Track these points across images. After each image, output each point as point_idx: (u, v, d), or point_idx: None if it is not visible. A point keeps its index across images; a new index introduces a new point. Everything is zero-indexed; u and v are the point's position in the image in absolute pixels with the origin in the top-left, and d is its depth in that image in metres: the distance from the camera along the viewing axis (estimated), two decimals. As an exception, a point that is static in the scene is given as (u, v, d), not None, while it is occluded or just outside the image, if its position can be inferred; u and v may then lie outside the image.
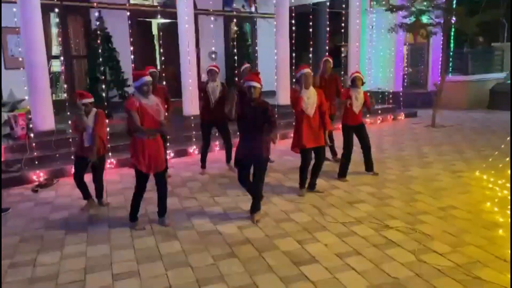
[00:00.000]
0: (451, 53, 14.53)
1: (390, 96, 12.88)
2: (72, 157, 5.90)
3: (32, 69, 7.20)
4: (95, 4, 8.86)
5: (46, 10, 8.70)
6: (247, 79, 4.74)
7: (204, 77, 6.82)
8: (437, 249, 4.02)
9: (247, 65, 7.32)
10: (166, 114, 5.07)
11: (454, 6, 11.49)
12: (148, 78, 4.50)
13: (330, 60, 7.31)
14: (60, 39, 10.87)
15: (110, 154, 7.30)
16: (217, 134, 7.32)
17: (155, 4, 12.09)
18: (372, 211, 5.03)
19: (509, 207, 4.94)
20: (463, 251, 3.96)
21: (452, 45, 14.34)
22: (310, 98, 5.38)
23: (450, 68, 14.66)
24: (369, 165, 6.47)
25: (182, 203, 5.53)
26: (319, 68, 7.30)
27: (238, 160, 4.82)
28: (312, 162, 5.67)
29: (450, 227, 4.51)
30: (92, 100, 5.19)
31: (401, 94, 13.19)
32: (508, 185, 5.76)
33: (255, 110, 4.67)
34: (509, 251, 3.91)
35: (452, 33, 13.63)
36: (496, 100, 13.37)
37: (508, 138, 7.49)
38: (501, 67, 15.28)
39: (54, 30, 10.93)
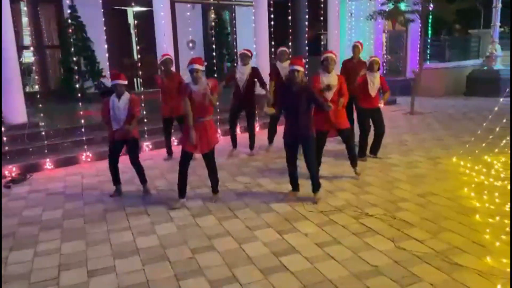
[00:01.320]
0: (429, 41, 14.67)
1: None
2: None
3: (1, 61, 6.90)
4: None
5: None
6: (292, 63, 4.72)
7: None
8: (416, 236, 4.04)
9: (283, 48, 7.25)
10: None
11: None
12: (195, 66, 4.67)
13: (359, 45, 7.29)
14: (31, 29, 10.51)
15: (86, 147, 7.13)
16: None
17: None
18: (352, 200, 5.03)
19: (488, 191, 5.01)
20: (441, 238, 3.99)
21: (430, 32, 14.46)
22: (332, 83, 5.42)
23: (428, 56, 14.81)
24: (375, 148, 6.63)
25: (160, 196, 5.42)
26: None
27: (287, 142, 4.96)
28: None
29: (429, 213, 4.55)
30: (125, 82, 5.14)
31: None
32: (485, 170, 5.85)
33: (297, 95, 4.70)
34: (486, 236, 3.96)
35: (430, 21, 13.73)
36: (473, 87, 13.56)
37: (485, 124, 7.61)
38: (478, 53, 15.52)
39: (25, 20, 10.54)
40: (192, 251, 3.92)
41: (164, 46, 8.71)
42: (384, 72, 14.26)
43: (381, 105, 6.63)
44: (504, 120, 7.18)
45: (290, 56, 7.27)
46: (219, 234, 4.26)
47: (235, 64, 6.93)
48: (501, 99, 7.68)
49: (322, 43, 13.12)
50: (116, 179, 5.43)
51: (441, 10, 10.39)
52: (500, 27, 13.68)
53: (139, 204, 5.14)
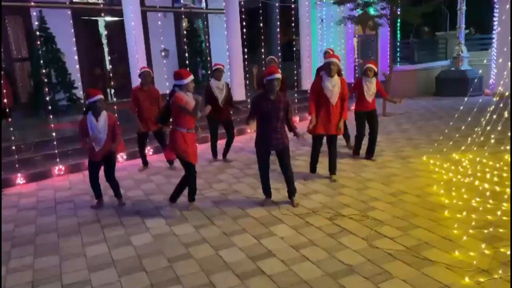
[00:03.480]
0: (398, 44, 15.05)
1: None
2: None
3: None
4: (32, 3, 8.39)
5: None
6: (271, 72, 4.68)
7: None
8: (388, 234, 4.14)
9: (272, 56, 7.34)
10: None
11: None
12: (192, 78, 4.81)
13: (330, 51, 7.43)
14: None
15: (58, 159, 7.02)
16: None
17: (101, 1, 11.66)
18: (326, 201, 5.12)
19: (456, 188, 5.19)
20: (412, 234, 4.11)
21: (399, 35, 14.85)
22: (335, 86, 5.47)
23: (398, 58, 15.19)
24: (370, 153, 6.75)
25: (135, 206, 5.39)
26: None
27: (261, 151, 4.90)
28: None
29: (400, 211, 4.67)
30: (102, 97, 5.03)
31: (352, 85, 13.48)
32: (453, 167, 6.04)
33: (275, 103, 4.70)
34: (455, 231, 4.10)
35: (399, 24, 14.11)
36: (442, 87, 13.98)
37: (451, 123, 7.87)
38: (445, 55, 16.00)
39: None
40: (168, 260, 3.92)
41: (136, 56, 8.65)
42: (357, 75, 14.54)
43: (401, 102, 7.05)
44: (469, 119, 7.43)
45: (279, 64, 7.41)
46: (195, 241, 4.27)
47: (210, 79, 6.89)
48: (465, 99, 7.96)
49: (295, 48, 13.28)
50: (99, 193, 5.37)
51: (407, 13, 10.70)
52: (466, 28, 14.17)
53: (113, 216, 5.10)
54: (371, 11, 11.06)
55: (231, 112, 7.26)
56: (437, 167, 6.14)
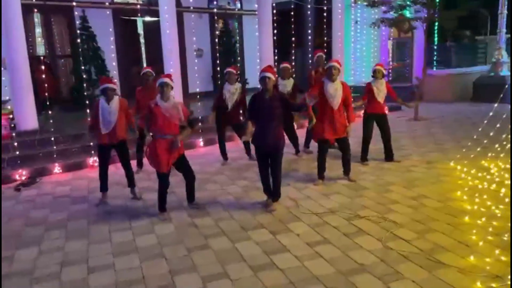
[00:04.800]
0: (435, 47, 14.74)
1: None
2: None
3: (14, 69, 7.24)
4: (74, 3, 8.86)
5: (29, 10, 8.72)
6: (262, 71, 4.80)
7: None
8: (404, 236, 4.16)
9: (285, 64, 7.35)
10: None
11: (437, 1, 11.68)
12: (165, 80, 4.72)
13: (323, 54, 7.50)
14: (44, 39, 10.92)
15: (93, 152, 7.38)
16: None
17: (140, 2, 12.12)
18: (346, 202, 5.16)
19: (479, 194, 5.10)
20: (428, 238, 4.10)
21: (436, 39, 14.54)
22: (337, 91, 5.55)
23: (435, 62, 14.87)
24: (389, 154, 6.79)
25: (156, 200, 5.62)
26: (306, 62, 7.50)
27: (260, 153, 4.95)
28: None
29: (418, 215, 4.66)
30: (115, 87, 5.29)
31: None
32: (480, 174, 5.92)
33: (271, 101, 4.74)
34: (473, 237, 4.06)
35: (436, 28, 13.82)
36: (480, 93, 13.54)
37: (480, 129, 7.68)
38: (485, 60, 15.50)
39: (38, 30, 10.95)
40: (187, 250, 4.10)
41: (170, 55, 8.96)
42: (390, 79, 14.36)
43: (411, 106, 7.22)
44: (498, 125, 7.24)
45: (293, 73, 7.45)
46: (214, 233, 4.44)
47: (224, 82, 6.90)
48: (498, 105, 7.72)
49: (325, 50, 13.30)
50: (106, 186, 5.52)
51: (443, 17, 10.49)
52: (507, 33, 13.69)
53: (140, 207, 5.35)
54: (407, 13, 10.92)
55: (241, 117, 7.11)
56: (463, 173, 6.03)
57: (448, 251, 3.81)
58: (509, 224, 4.26)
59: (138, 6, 10.67)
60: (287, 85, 7.12)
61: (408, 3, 10.55)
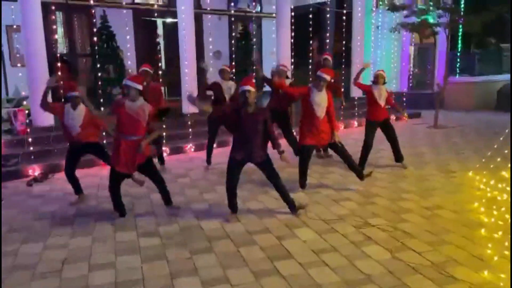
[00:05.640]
0: (458, 54, 14.35)
1: (393, 96, 12.74)
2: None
3: (32, 66, 7.35)
4: (92, 2, 8.97)
5: (51, 8, 8.86)
6: (242, 84, 4.58)
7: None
8: (415, 248, 3.99)
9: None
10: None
11: (462, 6, 11.38)
12: (128, 83, 4.56)
13: (329, 58, 7.35)
14: (65, 37, 11.10)
15: (106, 150, 7.40)
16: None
17: (160, 3, 12.21)
18: (356, 209, 5.01)
19: (496, 206, 4.88)
20: (441, 250, 3.92)
21: (459, 45, 14.16)
22: (323, 101, 5.44)
23: (458, 69, 14.48)
24: (398, 157, 6.65)
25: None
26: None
27: (237, 162, 4.67)
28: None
29: (432, 226, 4.47)
30: (80, 94, 5.20)
31: (404, 94, 13.08)
32: (500, 185, 5.68)
33: (254, 116, 4.53)
34: (488, 251, 3.86)
35: (460, 34, 13.46)
36: (504, 102, 13.09)
37: (501, 138, 7.39)
38: (510, 68, 15.00)
39: (60, 29, 11.13)
40: (190, 252, 4.03)
41: (186, 56, 8.96)
42: (410, 85, 14.08)
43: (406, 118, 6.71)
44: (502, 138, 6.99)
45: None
46: (219, 236, 4.36)
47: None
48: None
49: (344, 54, 13.11)
50: (79, 188, 5.50)
51: (467, 23, 10.20)
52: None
53: (148, 206, 5.32)
54: (430, 19, 10.65)
55: None
56: (482, 184, 5.80)
57: (461, 265, 3.63)
58: (528, 239, 4.05)
59: (155, 6, 10.70)
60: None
61: (430, 7, 10.29)
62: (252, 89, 4.50)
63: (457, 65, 14.33)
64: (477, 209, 4.90)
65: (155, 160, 6.75)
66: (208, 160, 6.94)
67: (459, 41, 13.98)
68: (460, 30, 12.46)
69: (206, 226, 4.63)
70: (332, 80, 6.39)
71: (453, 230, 4.36)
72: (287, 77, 6.82)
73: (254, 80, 4.76)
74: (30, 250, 4.14)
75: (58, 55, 9.04)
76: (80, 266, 3.81)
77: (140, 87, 4.61)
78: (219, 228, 4.59)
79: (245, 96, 4.50)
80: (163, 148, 7.43)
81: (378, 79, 6.34)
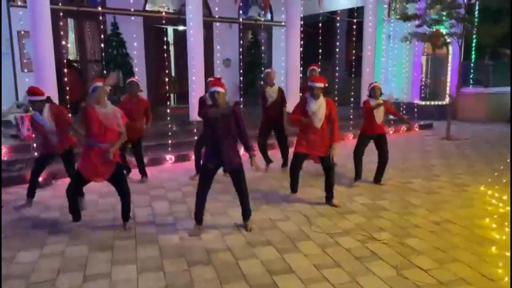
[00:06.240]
0: (471, 65, 14.12)
1: (404, 107, 12.56)
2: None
3: (39, 72, 7.36)
4: (100, 9, 9.01)
5: (61, 15, 8.92)
6: (212, 85, 4.49)
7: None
8: (421, 265, 3.81)
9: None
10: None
11: (476, 17, 11.18)
12: (98, 84, 4.43)
13: (316, 68, 7.22)
14: (76, 43, 11.17)
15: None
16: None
17: (171, 11, 12.23)
18: (362, 223, 4.85)
19: (508, 223, 4.68)
20: (449, 268, 3.75)
21: (473, 56, 13.93)
22: (320, 108, 5.25)
23: (471, 80, 14.24)
24: (378, 177, 6.32)
25: (171, 207, 5.49)
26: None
27: (210, 168, 4.54)
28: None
29: (440, 242, 4.29)
30: (43, 97, 5.15)
31: (415, 105, 12.88)
32: (513, 201, 5.47)
33: (224, 118, 4.40)
34: (499, 270, 3.67)
35: (474, 44, 13.25)
36: (518, 114, 12.82)
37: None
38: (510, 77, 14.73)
39: (70, 35, 11.22)
40: (188, 264, 3.91)
41: (194, 63, 8.92)
42: (422, 95, 13.87)
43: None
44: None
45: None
46: (219, 248, 4.24)
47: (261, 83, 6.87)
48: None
49: (353, 63, 13.00)
50: (34, 192, 5.44)
51: (481, 33, 10.01)
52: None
53: (149, 214, 5.23)
54: (443, 29, 10.48)
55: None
56: (494, 199, 5.59)
57: (469, 285, 3.45)
58: (542, 259, 3.85)
59: (164, 14, 10.71)
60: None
61: (444, 17, 10.12)
62: (221, 90, 4.40)
63: (471, 76, 14.09)
64: (489, 225, 4.70)
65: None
66: (197, 169, 6.78)
67: (473, 52, 13.76)
68: (474, 40, 12.26)
69: (206, 237, 4.51)
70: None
71: (463, 246, 4.18)
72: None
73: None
74: (26, 258, 4.05)
75: (65, 60, 9.08)
76: (75, 276, 3.71)
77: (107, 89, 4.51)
78: (219, 239, 4.46)
79: (214, 98, 4.41)
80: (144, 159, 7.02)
81: (375, 92, 6.05)
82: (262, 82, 7.01)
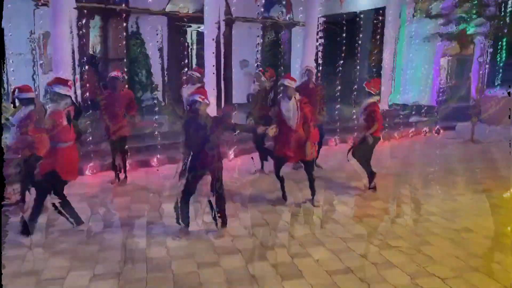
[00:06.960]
0: (501, 65, 13.63)
1: (425, 108, 12.24)
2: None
3: (59, 71, 7.45)
4: (118, 8, 9.09)
5: (84, 13, 9.03)
6: (192, 93, 4.43)
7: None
8: (438, 273, 3.66)
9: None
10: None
11: (507, 15, 10.77)
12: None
13: (312, 69, 7.06)
14: (99, 42, 11.32)
15: (128, 153, 7.36)
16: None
17: (191, 12, 12.27)
18: (377, 228, 4.70)
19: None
20: (467, 277, 3.59)
21: (503, 56, 13.45)
22: (292, 109, 5.18)
23: (499, 81, 13.75)
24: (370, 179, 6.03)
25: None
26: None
27: (195, 175, 4.44)
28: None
29: (459, 250, 4.12)
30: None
31: (436, 106, 12.56)
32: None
33: (205, 127, 4.30)
34: (521, 282, 3.49)
35: (503, 43, 12.79)
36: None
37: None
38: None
39: (93, 33, 11.35)
40: (197, 265, 3.87)
41: (211, 65, 8.91)
42: (444, 97, 13.48)
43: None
44: None
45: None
46: (229, 250, 4.17)
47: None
48: None
49: (373, 64, 12.71)
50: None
51: (509, 32, 9.65)
52: None
53: (158, 215, 5.19)
54: (470, 27, 10.12)
55: None
56: (518, 206, 5.35)
57: (488, 297, 3.29)
58: None
59: (181, 14, 10.74)
60: None
61: (473, 16, 9.74)
62: (203, 99, 4.29)
63: (498, 77, 13.60)
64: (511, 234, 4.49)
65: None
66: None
67: (504, 52, 13.27)
68: (505, 39, 11.82)
69: (216, 239, 4.44)
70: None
71: (482, 255, 4.00)
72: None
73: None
74: (39, 256, 4.07)
75: (85, 58, 9.16)
76: (84, 274, 3.72)
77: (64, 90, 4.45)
78: (229, 241, 4.40)
79: (196, 107, 4.31)
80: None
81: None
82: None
